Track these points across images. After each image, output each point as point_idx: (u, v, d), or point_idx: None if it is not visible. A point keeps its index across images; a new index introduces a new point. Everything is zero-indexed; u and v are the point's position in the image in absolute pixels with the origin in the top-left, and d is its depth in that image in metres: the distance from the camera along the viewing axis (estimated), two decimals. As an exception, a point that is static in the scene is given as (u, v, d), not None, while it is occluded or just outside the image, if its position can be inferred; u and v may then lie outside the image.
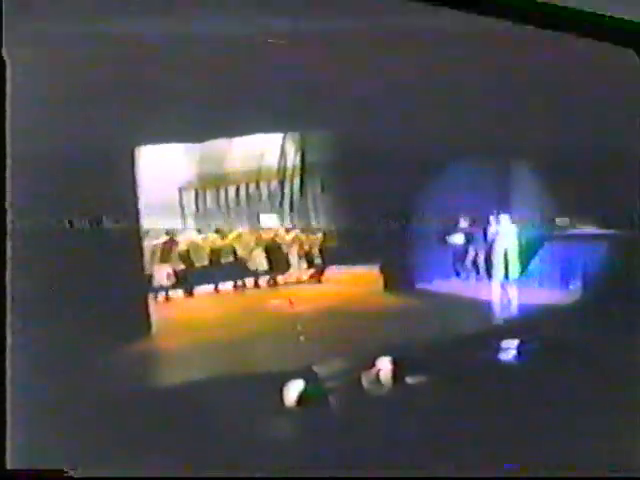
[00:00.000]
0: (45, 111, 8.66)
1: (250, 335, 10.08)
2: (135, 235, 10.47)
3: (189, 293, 12.38)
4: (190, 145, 12.46)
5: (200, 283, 12.42)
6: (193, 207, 13.33)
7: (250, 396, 7.80)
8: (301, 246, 12.97)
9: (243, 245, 12.97)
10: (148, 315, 10.52)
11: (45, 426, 7.01)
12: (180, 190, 13.04)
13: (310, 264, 12.93)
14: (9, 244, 6.86)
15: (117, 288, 9.60)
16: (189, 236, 13.04)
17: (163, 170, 12.21)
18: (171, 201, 12.81)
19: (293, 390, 7.78)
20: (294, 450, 7.20)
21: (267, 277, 12.74)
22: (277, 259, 12.85)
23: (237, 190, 13.49)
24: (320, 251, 13.06)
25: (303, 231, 13.31)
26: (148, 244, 12.35)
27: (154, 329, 10.44)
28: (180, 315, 11.54)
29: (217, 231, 13.23)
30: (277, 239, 13.04)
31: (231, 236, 13.11)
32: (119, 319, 9.33)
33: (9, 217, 7.00)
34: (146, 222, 10.87)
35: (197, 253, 12.78)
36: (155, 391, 8.51)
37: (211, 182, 13.26)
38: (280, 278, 12.77)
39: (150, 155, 11.48)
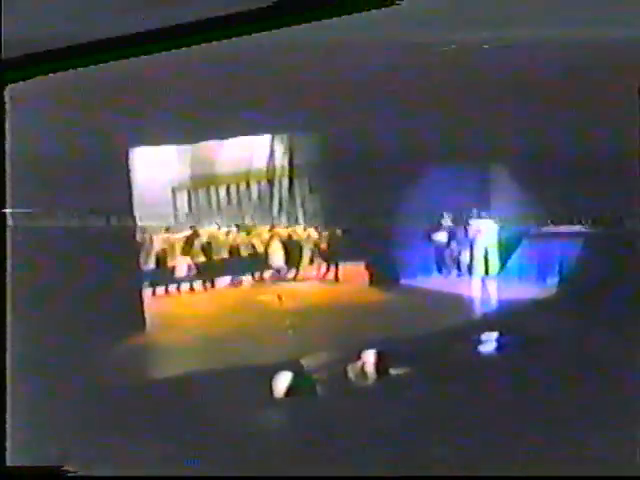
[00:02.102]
0: (42, 114, 8.80)
1: (240, 330, 10.31)
2: (129, 234, 10.65)
3: (212, 285, 12.68)
4: (182, 147, 12.59)
5: (220, 276, 12.71)
6: (186, 206, 13.46)
7: (240, 388, 7.92)
8: (315, 244, 13.09)
9: (261, 241, 13.18)
10: (142, 311, 10.68)
11: (44, 423, 7.12)
12: (173, 190, 13.17)
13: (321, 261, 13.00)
14: (8, 244, 6.98)
15: (111, 285, 9.79)
16: (210, 231, 13.28)
17: (156, 171, 12.35)
18: (164, 201, 12.95)
19: (282, 382, 7.81)
20: (282, 439, 7.25)
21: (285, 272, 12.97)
22: (294, 256, 13.00)
23: (227, 190, 13.61)
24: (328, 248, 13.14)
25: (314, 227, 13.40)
26: (169, 238, 12.71)
27: (148, 325, 10.60)
28: (173, 311, 11.67)
29: (237, 227, 13.41)
30: (294, 236, 13.24)
31: (253, 233, 13.32)
32: (114, 316, 9.55)
33: (7, 217, 7.14)
34: (140, 221, 11.06)
35: (217, 247, 13.03)
36: (150, 385, 8.60)
37: (203, 182, 13.36)
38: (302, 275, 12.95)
39: (144, 156, 11.63)
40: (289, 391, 7.78)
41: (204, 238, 13.02)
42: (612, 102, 9.31)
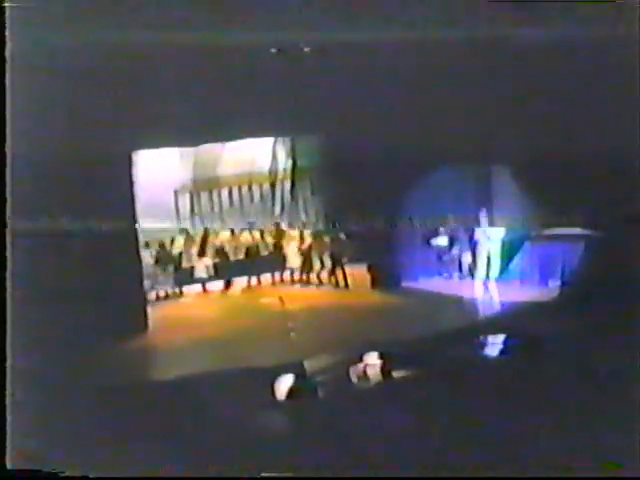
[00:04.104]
0: (45, 117, 8.84)
1: (242, 332, 10.32)
2: (132, 237, 10.68)
3: (227, 284, 13.06)
4: (185, 149, 12.64)
5: (236, 275, 13.05)
6: (188, 209, 13.53)
7: (242, 390, 7.92)
8: (321, 247, 13.23)
9: (273, 244, 13.50)
10: (145, 313, 10.77)
11: (45, 426, 7.06)
12: (175, 193, 13.24)
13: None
14: (10, 245, 7.01)
15: (115, 288, 9.85)
16: (225, 233, 13.47)
17: (159, 173, 12.41)
18: (167, 203, 13.02)
19: (284, 384, 7.79)
20: (284, 442, 7.26)
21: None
22: (306, 259, 13.24)
23: (230, 193, 13.68)
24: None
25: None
26: (188, 241, 13.10)
27: (150, 327, 10.68)
28: (175, 313, 11.83)
29: (250, 230, 13.58)
30: (303, 240, 13.43)
31: (266, 234, 13.53)
32: (117, 318, 9.60)
33: (10, 219, 7.17)
34: (142, 223, 11.14)
35: (233, 248, 13.32)
36: (152, 386, 8.63)
37: (205, 185, 13.45)
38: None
39: (147, 159, 11.68)
40: (291, 393, 7.78)
41: (219, 241, 13.32)
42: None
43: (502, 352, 9.18)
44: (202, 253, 13.09)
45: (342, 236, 12.69)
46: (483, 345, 9.34)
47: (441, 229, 12.29)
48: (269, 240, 13.51)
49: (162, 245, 12.83)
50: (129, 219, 10.44)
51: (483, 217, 11.70)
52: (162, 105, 9.90)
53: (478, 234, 11.92)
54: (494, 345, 9.30)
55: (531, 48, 9.98)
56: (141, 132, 10.17)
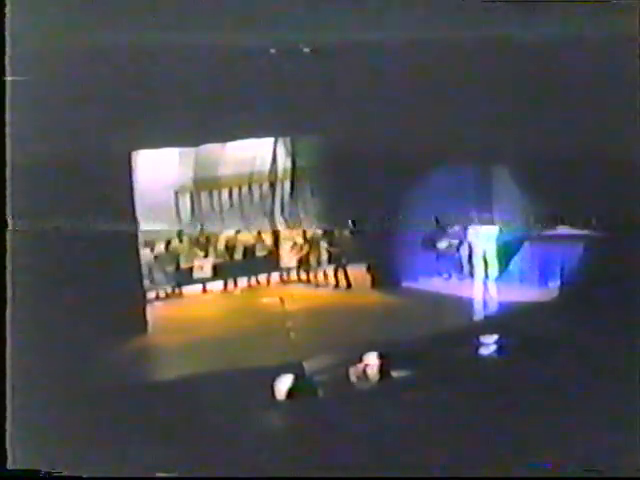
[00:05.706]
0: (45, 117, 8.86)
1: (242, 332, 10.32)
2: (132, 237, 10.70)
3: (225, 284, 13.03)
4: (185, 149, 12.63)
5: (236, 275, 13.03)
6: (188, 209, 13.52)
7: (242, 390, 7.94)
8: (321, 247, 13.24)
9: (273, 243, 13.52)
10: (144, 314, 10.77)
11: (46, 426, 7.11)
12: (176, 193, 13.23)
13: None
14: (10, 245, 7.01)
15: (115, 288, 9.84)
16: (225, 233, 13.49)
17: (159, 174, 12.40)
18: (167, 203, 13.00)
19: (283, 384, 7.81)
20: (284, 441, 7.26)
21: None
22: (305, 259, 13.25)
23: (230, 193, 13.67)
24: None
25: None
26: (185, 241, 13.11)
27: (150, 327, 10.67)
28: (175, 313, 11.82)
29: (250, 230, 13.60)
30: (303, 239, 13.45)
31: (266, 234, 13.54)
32: (117, 318, 9.58)
33: (10, 219, 7.17)
34: (142, 223, 11.14)
35: (233, 249, 13.35)
36: (152, 386, 8.63)
37: (205, 185, 13.42)
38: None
39: (146, 159, 11.67)
40: (291, 393, 7.79)
41: (218, 241, 13.34)
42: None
43: (502, 352, 9.18)
44: (202, 253, 13.11)
45: (342, 236, 12.70)
46: (482, 345, 9.33)
47: (442, 229, 12.28)
48: (269, 240, 13.53)
49: (162, 245, 12.83)
50: (129, 219, 10.45)
51: (479, 217, 11.71)
52: (162, 105, 9.91)
53: (472, 234, 11.95)
54: (493, 345, 9.30)
55: (531, 48, 9.99)
56: (141, 132, 10.16)
